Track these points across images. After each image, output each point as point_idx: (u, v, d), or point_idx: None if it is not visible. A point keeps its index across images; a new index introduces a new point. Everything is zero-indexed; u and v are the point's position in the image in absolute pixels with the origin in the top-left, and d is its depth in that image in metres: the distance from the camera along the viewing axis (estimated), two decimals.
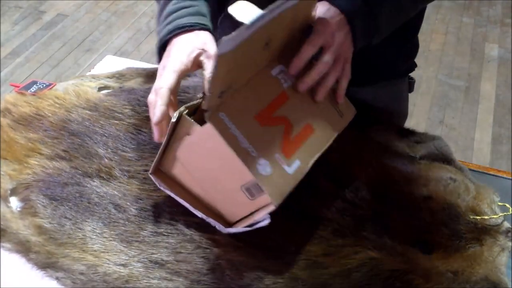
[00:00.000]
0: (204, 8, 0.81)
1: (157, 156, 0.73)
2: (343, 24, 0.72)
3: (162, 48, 0.76)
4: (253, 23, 0.56)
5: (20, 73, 2.44)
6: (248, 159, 0.64)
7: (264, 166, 0.66)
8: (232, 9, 0.75)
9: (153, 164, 0.73)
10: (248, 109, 0.68)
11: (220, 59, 0.56)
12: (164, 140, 0.71)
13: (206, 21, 0.79)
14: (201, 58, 0.73)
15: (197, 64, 0.74)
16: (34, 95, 0.95)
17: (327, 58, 0.70)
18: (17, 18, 2.81)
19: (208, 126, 0.64)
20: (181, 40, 0.75)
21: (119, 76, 1.03)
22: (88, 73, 1.07)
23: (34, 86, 0.98)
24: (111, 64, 1.10)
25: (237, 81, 0.66)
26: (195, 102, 0.71)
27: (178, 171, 0.73)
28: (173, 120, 0.68)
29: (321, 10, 0.72)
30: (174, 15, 0.78)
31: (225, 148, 0.63)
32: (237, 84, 0.67)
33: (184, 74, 0.72)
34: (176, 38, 0.75)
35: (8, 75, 2.43)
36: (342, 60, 0.73)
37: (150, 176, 0.74)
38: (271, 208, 0.65)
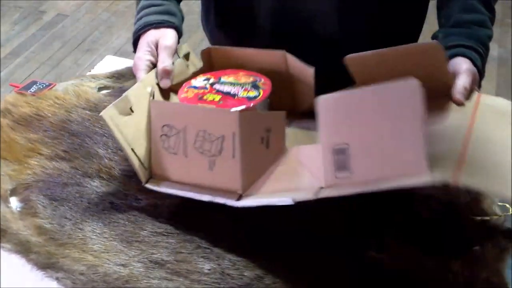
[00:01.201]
0: (173, 7, 0.90)
1: (138, 169, 0.72)
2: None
3: (136, 40, 0.87)
4: None
5: (20, 73, 2.44)
6: None
7: None
8: None
9: (141, 177, 0.73)
10: None
11: None
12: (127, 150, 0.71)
13: (173, 18, 0.88)
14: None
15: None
16: (34, 95, 0.95)
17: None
18: (17, 18, 2.80)
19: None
20: (146, 37, 0.85)
21: (119, 76, 1.03)
22: (88, 73, 1.07)
23: (34, 86, 0.98)
24: (111, 64, 1.10)
25: None
26: (122, 97, 0.73)
27: (174, 163, 0.71)
28: (103, 114, 0.69)
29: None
30: (144, 11, 0.88)
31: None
32: None
33: (153, 65, 0.83)
34: (144, 35, 0.85)
35: (8, 75, 2.43)
36: None
37: (146, 186, 0.73)
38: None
